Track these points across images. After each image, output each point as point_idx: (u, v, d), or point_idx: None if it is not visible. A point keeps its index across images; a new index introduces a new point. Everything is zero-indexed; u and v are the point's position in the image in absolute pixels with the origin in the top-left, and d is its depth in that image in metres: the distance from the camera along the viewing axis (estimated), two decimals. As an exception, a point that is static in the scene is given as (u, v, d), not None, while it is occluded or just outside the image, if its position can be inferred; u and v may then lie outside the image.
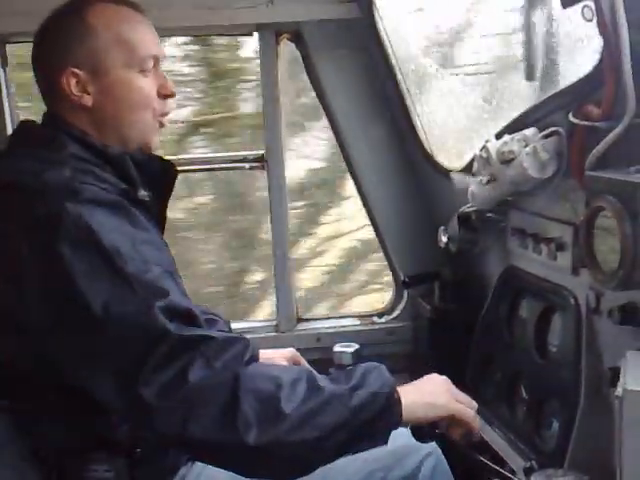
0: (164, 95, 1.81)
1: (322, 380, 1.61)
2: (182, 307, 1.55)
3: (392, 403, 1.62)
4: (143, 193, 1.75)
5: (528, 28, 2.43)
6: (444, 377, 1.78)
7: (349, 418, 1.57)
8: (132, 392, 1.49)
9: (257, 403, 1.51)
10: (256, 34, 2.84)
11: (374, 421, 1.60)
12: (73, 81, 1.72)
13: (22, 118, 2.00)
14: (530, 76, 2.44)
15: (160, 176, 1.84)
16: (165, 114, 1.83)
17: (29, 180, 1.61)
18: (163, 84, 1.80)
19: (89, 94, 1.73)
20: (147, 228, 1.66)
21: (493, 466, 2.24)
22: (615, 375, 1.59)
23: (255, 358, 1.65)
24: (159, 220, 1.86)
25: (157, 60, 1.80)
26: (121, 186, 1.69)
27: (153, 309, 1.50)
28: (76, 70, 1.72)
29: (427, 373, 2.74)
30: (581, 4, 1.80)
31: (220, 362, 1.52)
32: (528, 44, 2.44)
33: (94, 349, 1.53)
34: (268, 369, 1.63)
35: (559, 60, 2.32)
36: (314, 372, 1.65)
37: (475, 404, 1.78)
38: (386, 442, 1.65)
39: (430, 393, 1.72)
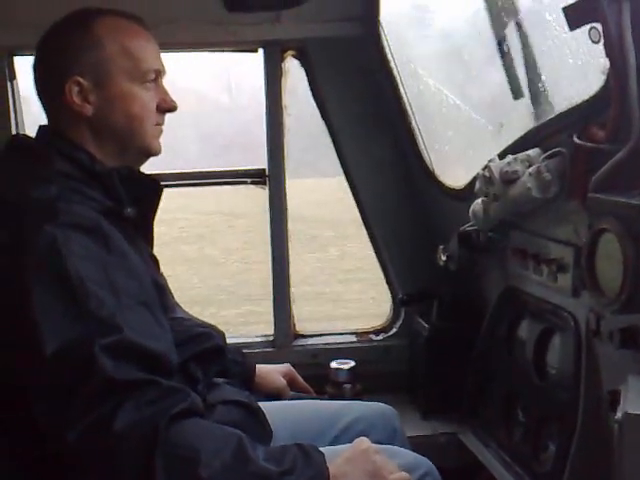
0: (164, 109, 1.83)
1: (255, 451, 1.52)
2: (135, 345, 1.51)
3: None
4: (129, 210, 1.74)
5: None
6: (366, 446, 1.67)
7: None
8: (58, 430, 1.45)
9: (174, 462, 1.43)
10: (261, 50, 2.85)
11: None
12: (76, 90, 1.73)
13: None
14: (517, 94, 2.45)
15: (146, 193, 1.83)
16: (161, 124, 1.85)
17: (14, 196, 1.62)
18: (164, 98, 1.83)
19: (90, 104, 1.74)
20: (124, 253, 1.64)
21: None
22: (615, 399, 1.58)
23: (198, 412, 1.56)
24: (147, 236, 1.87)
25: (159, 74, 1.82)
26: (107, 203, 1.69)
27: (93, 347, 1.46)
28: (80, 79, 1.72)
29: (424, 392, 2.79)
30: (588, 26, 1.81)
31: (151, 409, 1.45)
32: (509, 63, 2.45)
33: (35, 381, 1.49)
34: (199, 429, 1.52)
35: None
36: (248, 440, 1.54)
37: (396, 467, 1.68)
38: None
39: (363, 474, 1.60)
